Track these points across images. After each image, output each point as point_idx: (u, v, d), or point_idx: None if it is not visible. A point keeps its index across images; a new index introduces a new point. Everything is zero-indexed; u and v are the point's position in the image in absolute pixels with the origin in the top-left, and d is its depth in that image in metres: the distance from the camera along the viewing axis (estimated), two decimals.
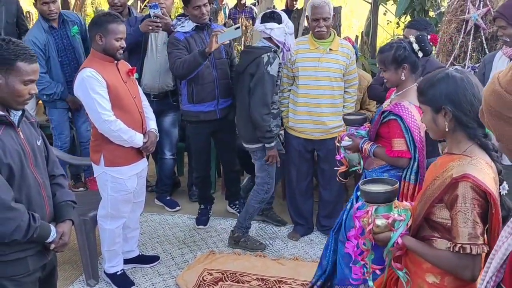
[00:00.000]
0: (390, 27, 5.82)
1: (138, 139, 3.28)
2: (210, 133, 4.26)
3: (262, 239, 4.19)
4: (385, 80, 2.90)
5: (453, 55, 4.72)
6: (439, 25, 5.18)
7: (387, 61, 2.81)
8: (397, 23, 5.60)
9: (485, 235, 1.83)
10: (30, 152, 2.30)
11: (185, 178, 5.22)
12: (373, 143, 2.86)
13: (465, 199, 1.78)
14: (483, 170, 1.81)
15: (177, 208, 4.72)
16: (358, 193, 2.13)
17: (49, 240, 2.30)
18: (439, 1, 5.11)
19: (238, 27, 3.78)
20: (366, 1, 6.18)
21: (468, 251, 1.76)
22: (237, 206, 4.61)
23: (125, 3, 4.49)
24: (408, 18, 5.45)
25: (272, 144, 3.81)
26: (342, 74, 3.90)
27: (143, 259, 3.83)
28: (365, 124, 3.02)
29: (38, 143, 2.40)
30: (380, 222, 1.99)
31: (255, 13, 7.57)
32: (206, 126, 4.15)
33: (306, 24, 5.16)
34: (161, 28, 4.12)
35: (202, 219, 4.45)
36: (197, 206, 4.62)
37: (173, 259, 3.94)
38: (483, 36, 4.95)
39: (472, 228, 1.77)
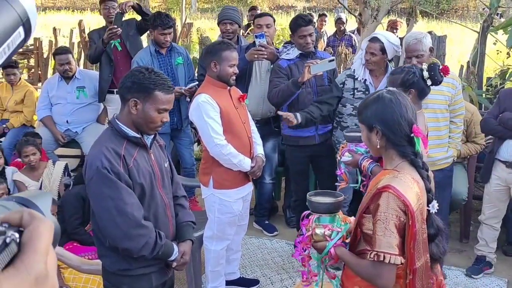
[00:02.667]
0: (499, 57, 5.60)
1: (246, 164, 3.37)
2: (308, 157, 4.30)
3: None
4: None
5: None
6: None
7: (395, 83, 2.87)
8: (508, 53, 5.38)
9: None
10: (159, 173, 2.43)
11: (282, 203, 5.25)
12: (373, 161, 2.83)
13: (385, 209, 1.89)
14: (406, 184, 1.93)
15: (275, 233, 4.76)
16: (307, 203, 2.28)
17: (172, 258, 2.40)
18: None
19: (333, 60, 3.82)
20: (473, 30, 6.01)
21: (381, 259, 1.87)
22: None
23: (235, 31, 4.65)
24: None
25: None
26: (448, 105, 3.80)
27: (244, 282, 3.89)
28: None
29: (166, 165, 2.53)
30: (319, 231, 2.15)
31: (355, 40, 7.59)
32: (304, 150, 4.22)
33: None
34: (266, 57, 4.23)
35: None
36: (295, 231, 4.63)
37: (272, 284, 3.96)
38: None
39: (388, 237, 1.87)
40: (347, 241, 2.20)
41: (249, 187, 3.55)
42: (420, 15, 8.16)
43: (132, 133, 2.34)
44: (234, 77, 3.36)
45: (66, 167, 4.62)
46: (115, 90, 5.18)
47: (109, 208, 2.24)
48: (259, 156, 3.51)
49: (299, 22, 4.04)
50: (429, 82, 2.89)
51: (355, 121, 3.92)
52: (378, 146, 2.05)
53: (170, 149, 4.94)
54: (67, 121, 5.32)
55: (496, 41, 5.44)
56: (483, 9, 17.07)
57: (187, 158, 5.01)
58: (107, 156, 2.24)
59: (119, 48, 5.08)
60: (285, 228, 4.90)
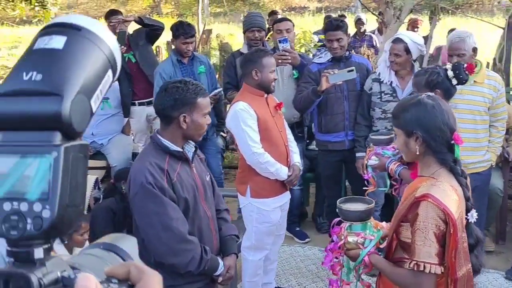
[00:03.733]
0: None
1: (283, 172, 3.33)
2: (340, 162, 4.28)
3: None
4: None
5: None
6: None
7: (420, 84, 2.87)
8: None
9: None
10: (201, 187, 2.41)
11: (311, 209, 5.20)
12: (400, 164, 2.81)
13: (424, 218, 1.85)
14: (446, 192, 1.88)
15: (307, 239, 4.71)
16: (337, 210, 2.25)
17: (217, 273, 2.37)
18: None
19: (352, 70, 3.77)
20: (498, 27, 5.91)
21: (421, 268, 1.84)
22: None
23: (262, 38, 4.63)
24: None
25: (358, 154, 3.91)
26: (487, 107, 3.71)
27: None
28: (391, 144, 2.98)
29: (207, 179, 2.51)
30: (351, 239, 2.13)
31: (375, 41, 7.52)
32: (335, 155, 4.20)
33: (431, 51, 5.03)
34: (289, 62, 4.19)
35: None
36: (326, 237, 4.57)
37: None
38: None
39: (428, 247, 1.84)
40: (381, 246, 2.18)
41: (286, 196, 3.51)
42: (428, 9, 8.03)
43: (174, 147, 2.33)
44: (274, 84, 3.33)
45: (96, 180, 4.61)
46: (136, 101, 5.19)
47: (154, 224, 2.22)
48: (296, 164, 3.47)
49: (327, 27, 4.06)
50: (454, 82, 2.86)
51: (385, 124, 3.88)
52: (418, 153, 2.00)
53: None
54: (92, 133, 5.30)
55: None
56: (498, 2, 16.86)
57: (215, 167, 4.97)
58: (151, 171, 2.22)
59: (133, 60, 5.07)
60: (316, 234, 4.84)
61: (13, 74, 0.68)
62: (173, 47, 4.88)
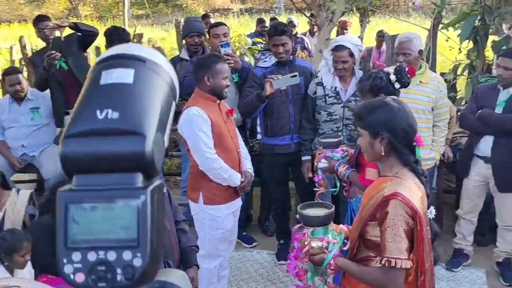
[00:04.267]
0: (452, 53, 5.79)
1: (236, 178, 3.31)
2: (286, 165, 4.31)
3: None
4: None
5: None
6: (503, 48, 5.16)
7: (364, 90, 2.93)
8: (459, 49, 5.58)
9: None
10: None
11: (256, 213, 5.20)
12: (349, 167, 2.94)
13: (394, 216, 1.92)
14: (412, 190, 1.97)
15: (254, 243, 4.71)
16: (297, 215, 2.28)
17: None
18: (504, 26, 5.08)
19: (295, 75, 3.82)
20: (424, 28, 6.19)
21: (393, 264, 1.90)
22: None
23: (202, 43, 4.57)
24: (471, 44, 5.42)
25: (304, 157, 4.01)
26: (431, 107, 3.87)
27: None
28: (340, 147, 3.11)
29: (164, 190, 2.43)
30: (315, 244, 2.13)
31: (307, 43, 7.64)
32: (281, 158, 4.23)
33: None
34: (232, 66, 4.17)
35: (283, 254, 4.42)
36: (273, 240, 4.61)
37: None
38: None
39: (398, 243, 1.91)
40: (344, 248, 2.21)
41: (238, 202, 3.50)
42: (358, 12, 8.29)
43: None
44: (226, 90, 3.30)
45: (31, 196, 4.35)
46: (70, 111, 4.96)
47: None
48: (248, 171, 3.47)
49: (272, 31, 4.08)
50: (397, 85, 2.93)
51: (331, 126, 3.96)
52: (383, 153, 2.06)
53: None
54: (22, 145, 5.03)
55: (448, 38, 5.61)
56: (413, 3, 17.69)
57: None
58: None
59: (66, 68, 4.84)
60: (263, 238, 4.85)
61: (85, 112, 0.63)
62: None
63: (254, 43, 5.85)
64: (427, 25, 6.26)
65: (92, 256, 0.58)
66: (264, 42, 6.46)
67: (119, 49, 0.70)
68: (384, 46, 7.04)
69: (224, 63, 3.31)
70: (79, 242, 0.60)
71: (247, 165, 3.49)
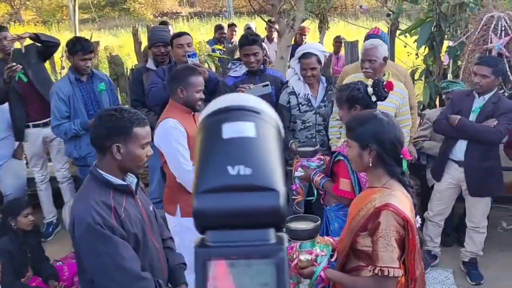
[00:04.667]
0: (410, 59, 5.97)
1: None
2: None
3: None
4: (339, 117, 3.03)
5: None
6: (458, 53, 5.37)
7: (341, 99, 2.98)
8: (416, 54, 5.76)
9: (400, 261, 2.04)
10: (147, 219, 2.30)
11: None
12: (324, 176, 3.00)
13: (386, 226, 1.96)
14: (401, 200, 2.02)
15: None
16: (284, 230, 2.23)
17: None
18: (459, 32, 5.28)
19: (267, 85, 3.86)
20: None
21: (386, 273, 1.95)
22: None
23: (168, 52, 4.51)
24: (427, 50, 5.61)
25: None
26: (395, 114, 3.97)
27: None
28: (316, 156, 3.16)
29: (151, 209, 2.40)
30: (303, 257, 2.14)
31: (266, 50, 7.65)
32: None
33: None
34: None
35: None
36: None
37: None
38: (506, 64, 5.14)
39: (390, 253, 1.95)
40: (332, 260, 2.25)
41: None
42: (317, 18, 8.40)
43: (117, 181, 2.19)
44: (200, 103, 3.28)
45: None
46: (31, 123, 4.80)
47: (106, 265, 2.07)
48: None
49: (243, 41, 4.07)
50: (373, 98, 2.98)
51: (306, 134, 4.01)
52: (371, 164, 2.12)
53: None
54: None
55: (405, 44, 5.79)
56: (360, 6, 18.10)
57: None
58: (97, 210, 2.07)
59: (25, 80, 4.66)
60: None
61: (215, 168, 0.64)
62: (63, 64, 4.57)
63: (214, 50, 5.83)
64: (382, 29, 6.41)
65: None
66: (224, 49, 6.46)
67: (229, 100, 0.70)
68: (342, 52, 7.19)
69: (199, 76, 3.29)
70: None
71: None
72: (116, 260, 2.07)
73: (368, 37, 4.49)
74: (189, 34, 4.47)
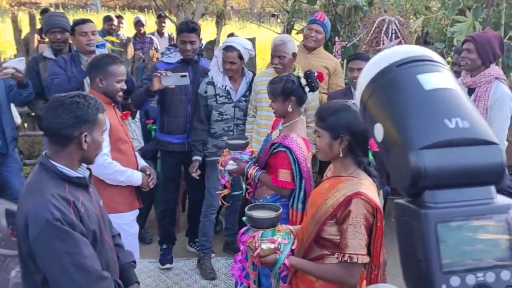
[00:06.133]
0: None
1: (136, 177, 3.15)
2: (179, 163, 4.24)
3: None
4: (273, 111, 3.08)
5: None
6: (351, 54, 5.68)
7: (276, 92, 2.98)
8: None
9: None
10: (101, 215, 2.11)
11: None
12: (259, 169, 3.04)
13: (356, 214, 2.00)
14: (371, 188, 2.07)
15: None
16: (244, 218, 2.32)
17: None
18: (352, 33, 5.59)
19: (185, 76, 3.78)
20: (276, 32, 6.50)
21: (355, 260, 1.99)
22: (197, 244, 4.49)
23: (67, 40, 4.16)
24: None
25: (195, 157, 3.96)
26: (304, 108, 4.05)
27: None
28: (247, 148, 3.21)
29: (101, 203, 2.20)
30: (265, 246, 2.14)
31: (156, 43, 7.43)
32: (175, 156, 4.16)
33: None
34: None
35: (167, 258, 4.28)
36: (152, 248, 4.44)
37: None
38: None
39: (360, 240, 2.00)
40: (293, 248, 2.22)
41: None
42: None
43: (73, 173, 1.98)
44: (121, 93, 3.11)
45: None
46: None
47: (65, 265, 1.85)
48: (146, 165, 3.35)
49: (182, 27, 3.96)
50: (307, 89, 3.02)
51: (222, 126, 3.97)
52: (341, 154, 2.12)
53: None
54: None
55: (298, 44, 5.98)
56: (232, 7, 18.40)
57: (18, 187, 4.28)
58: (56, 205, 1.84)
59: None
60: (141, 246, 4.60)
61: (430, 122, 0.58)
62: None
63: (107, 41, 5.52)
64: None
65: (471, 280, 0.54)
66: (118, 41, 6.14)
67: (407, 52, 0.65)
68: None
69: (120, 66, 3.12)
70: (454, 265, 0.54)
71: (143, 163, 3.35)
72: (77, 259, 1.87)
73: (311, 21, 4.55)
74: (92, 22, 4.17)
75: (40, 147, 6.02)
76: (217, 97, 3.95)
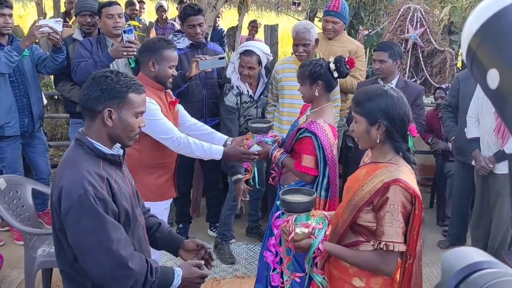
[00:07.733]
0: None
1: (216, 150, 3.04)
2: None
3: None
4: (301, 95, 3.04)
5: None
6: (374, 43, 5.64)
7: (303, 75, 2.95)
8: None
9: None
10: (133, 193, 2.12)
11: None
12: (284, 152, 3.01)
13: (394, 201, 1.96)
14: (410, 176, 2.02)
15: None
16: (278, 202, 2.26)
17: (175, 283, 2.09)
18: (376, 21, 5.55)
19: (223, 57, 3.74)
20: (297, 19, 6.46)
21: (391, 248, 1.96)
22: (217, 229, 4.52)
23: (96, 23, 4.17)
24: None
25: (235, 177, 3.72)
26: None
27: None
28: (269, 132, 3.17)
29: (133, 183, 2.21)
30: (300, 230, 2.11)
31: (177, 29, 7.41)
32: None
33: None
34: (135, 54, 3.82)
35: (184, 237, 4.32)
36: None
37: None
38: (420, 54, 5.51)
39: (397, 228, 1.96)
40: (328, 233, 2.19)
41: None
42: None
43: (108, 150, 1.99)
44: (171, 80, 3.03)
45: None
46: None
47: (91, 246, 1.85)
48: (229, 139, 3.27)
49: (188, 11, 3.92)
50: (335, 75, 2.97)
51: (245, 126, 3.97)
52: (378, 141, 2.07)
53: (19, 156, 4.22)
54: None
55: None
56: None
57: (43, 168, 4.35)
58: (91, 181, 1.84)
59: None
60: None
61: None
62: None
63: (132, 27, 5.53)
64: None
65: None
66: (140, 26, 6.15)
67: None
68: (257, 36, 7.20)
69: (174, 51, 3.01)
70: None
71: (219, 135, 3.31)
72: (103, 242, 1.85)
73: (326, 13, 4.51)
74: (119, 4, 4.18)
75: (63, 130, 6.07)
76: (244, 104, 3.96)
